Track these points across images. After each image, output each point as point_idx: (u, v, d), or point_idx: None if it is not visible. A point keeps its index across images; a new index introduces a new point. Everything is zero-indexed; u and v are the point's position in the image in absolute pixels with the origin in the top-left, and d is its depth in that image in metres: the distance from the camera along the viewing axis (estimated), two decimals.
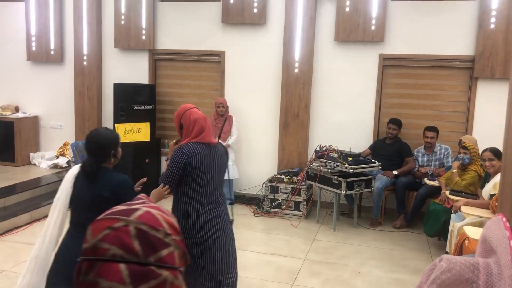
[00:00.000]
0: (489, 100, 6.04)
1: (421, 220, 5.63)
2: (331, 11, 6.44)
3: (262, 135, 6.88)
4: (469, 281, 1.08)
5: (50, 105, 7.80)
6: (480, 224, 4.20)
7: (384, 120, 6.38)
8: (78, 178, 2.73)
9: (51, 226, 2.74)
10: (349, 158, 5.68)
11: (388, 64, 6.40)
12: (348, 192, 5.71)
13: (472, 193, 4.94)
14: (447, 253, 4.59)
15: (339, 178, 5.65)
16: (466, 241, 3.95)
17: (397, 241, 5.52)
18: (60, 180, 7.22)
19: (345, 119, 6.53)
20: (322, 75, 6.58)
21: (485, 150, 4.77)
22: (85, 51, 7.39)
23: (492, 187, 4.50)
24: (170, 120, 7.13)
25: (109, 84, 7.27)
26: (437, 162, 5.98)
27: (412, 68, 6.36)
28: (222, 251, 3.06)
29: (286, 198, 6.25)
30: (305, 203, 6.20)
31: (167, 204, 3.04)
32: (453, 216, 4.72)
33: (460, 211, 4.59)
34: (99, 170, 2.66)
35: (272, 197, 6.31)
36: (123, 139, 6.23)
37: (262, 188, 6.43)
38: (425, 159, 6.05)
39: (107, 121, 7.45)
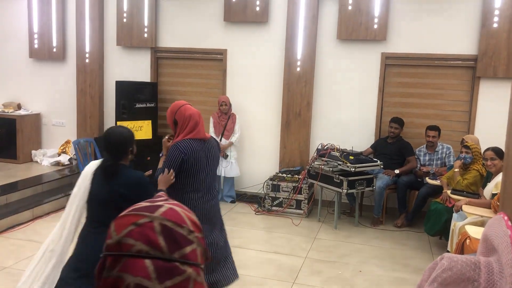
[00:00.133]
0: (491, 100, 6.02)
1: (422, 219, 5.62)
2: (334, 9, 6.43)
3: (264, 134, 6.88)
4: (470, 279, 1.08)
5: (52, 102, 7.81)
6: (481, 224, 4.20)
7: (386, 119, 6.37)
8: (95, 174, 2.76)
9: (69, 222, 2.76)
10: (351, 157, 5.68)
11: (390, 63, 6.39)
12: (350, 191, 5.71)
13: (473, 193, 4.93)
14: (448, 252, 4.59)
15: (341, 177, 5.65)
16: (468, 241, 3.95)
17: (398, 240, 5.52)
18: (62, 178, 7.26)
19: (347, 118, 6.53)
20: (324, 73, 6.57)
21: (487, 149, 4.76)
22: (87, 49, 7.40)
23: (494, 186, 4.49)
24: None
25: (111, 82, 7.28)
26: (438, 161, 5.98)
27: (415, 67, 6.35)
28: (214, 244, 3.10)
29: (287, 197, 6.26)
30: (306, 201, 6.20)
31: None
32: (454, 215, 4.72)
33: (461, 210, 4.58)
34: (117, 167, 2.71)
35: (274, 195, 6.31)
36: None
37: (263, 187, 6.43)
38: (427, 158, 6.04)
39: (109, 119, 7.46)
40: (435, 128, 5.93)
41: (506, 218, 1.24)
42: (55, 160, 7.46)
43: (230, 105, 6.61)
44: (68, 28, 7.60)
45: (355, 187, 5.73)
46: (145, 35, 7.16)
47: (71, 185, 6.64)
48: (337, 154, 5.80)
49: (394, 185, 6.02)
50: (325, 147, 6.04)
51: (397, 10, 6.25)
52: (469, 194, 4.86)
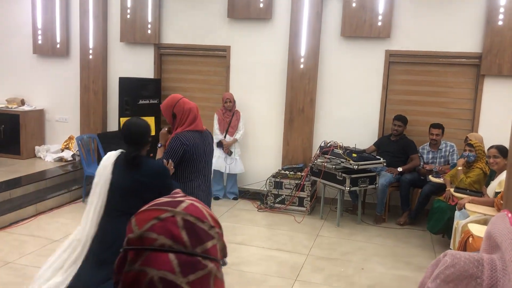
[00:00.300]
0: (496, 98, 6.00)
1: (425, 218, 5.62)
2: (338, 6, 6.41)
3: (267, 130, 6.88)
4: (473, 276, 1.08)
5: (55, 98, 7.82)
6: (484, 222, 4.19)
7: (390, 116, 6.35)
8: (116, 165, 2.81)
9: (92, 211, 2.79)
10: (354, 155, 5.67)
11: (394, 60, 6.37)
12: (352, 189, 5.71)
13: (477, 191, 4.92)
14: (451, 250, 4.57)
15: (344, 175, 5.64)
16: (470, 239, 3.94)
17: (401, 238, 5.52)
18: (65, 173, 7.28)
19: (350, 115, 6.51)
20: (328, 70, 6.56)
21: (491, 147, 4.76)
22: (90, 45, 7.40)
23: (497, 185, 4.47)
24: None
25: (115, 78, 7.28)
26: (442, 160, 5.96)
27: (419, 64, 6.33)
28: None
29: (290, 194, 6.26)
30: (309, 199, 6.20)
31: None
32: (457, 213, 4.71)
33: (464, 208, 4.57)
34: (141, 158, 2.81)
35: (276, 192, 6.31)
36: None
37: (266, 184, 6.43)
38: (430, 156, 6.02)
39: (112, 115, 7.47)
40: (439, 126, 5.92)
41: (510, 215, 1.24)
42: (58, 156, 7.48)
43: (234, 102, 6.61)
44: (71, 24, 7.60)
45: (358, 184, 5.73)
46: (149, 31, 7.15)
47: (74, 181, 6.73)
48: (340, 151, 5.79)
49: (397, 183, 6.01)
50: (328, 144, 6.03)
51: (401, 7, 6.22)
52: (472, 192, 4.85)
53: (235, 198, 6.73)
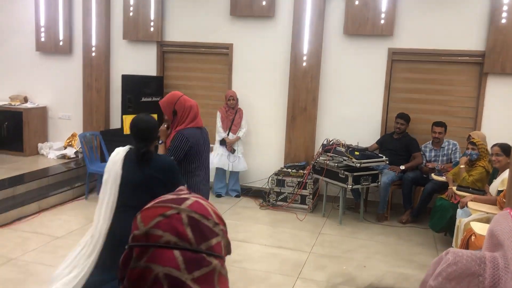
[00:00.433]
0: (499, 96, 5.99)
1: (427, 216, 5.62)
2: (340, 4, 6.39)
3: (269, 128, 6.88)
4: (475, 274, 1.07)
5: (58, 96, 7.84)
6: (487, 220, 4.18)
7: (392, 114, 6.34)
8: (126, 160, 2.84)
9: (104, 207, 2.81)
10: (356, 153, 5.66)
11: (397, 58, 6.36)
12: (355, 187, 5.71)
13: (479, 189, 4.92)
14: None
15: (346, 172, 5.64)
16: (473, 237, 3.94)
17: (403, 236, 5.52)
18: (68, 171, 7.28)
19: (353, 113, 6.51)
20: (330, 68, 6.55)
21: (495, 145, 4.76)
22: (93, 42, 7.41)
23: (500, 183, 4.47)
24: None
25: (117, 76, 7.29)
26: (444, 158, 5.95)
27: (421, 62, 6.32)
28: None
29: (292, 192, 6.26)
30: (311, 197, 6.20)
31: None
32: (459, 211, 4.71)
33: (467, 207, 4.57)
34: (152, 153, 2.86)
35: (278, 190, 6.32)
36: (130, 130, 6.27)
37: (268, 181, 6.44)
38: (433, 154, 6.02)
39: (115, 112, 7.49)
40: (442, 124, 5.91)
41: None
42: (61, 153, 7.50)
43: (237, 99, 6.62)
44: (74, 21, 7.61)
45: (360, 182, 5.73)
46: (151, 29, 7.16)
47: (77, 178, 6.75)
48: (343, 149, 5.79)
49: (400, 181, 6.01)
50: (331, 142, 6.03)
51: (404, 5, 6.21)
52: (474, 191, 4.85)
53: (237, 196, 6.73)
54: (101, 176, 6.48)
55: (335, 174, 5.80)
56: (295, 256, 4.76)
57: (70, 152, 7.50)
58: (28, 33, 7.82)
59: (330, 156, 5.90)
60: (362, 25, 6.28)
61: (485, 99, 6.07)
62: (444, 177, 5.52)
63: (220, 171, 6.66)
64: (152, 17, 7.13)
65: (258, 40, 6.79)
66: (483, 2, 5.94)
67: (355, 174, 5.62)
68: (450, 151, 5.95)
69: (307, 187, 6.20)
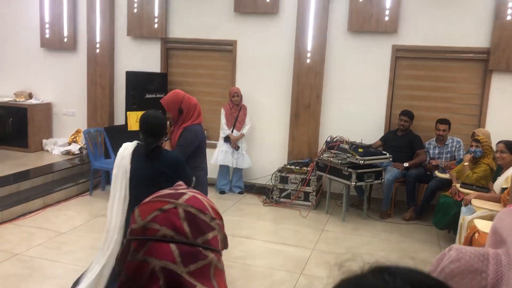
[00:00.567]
0: (503, 93, 5.96)
1: (431, 213, 5.61)
2: (345, 1, 6.38)
3: (273, 125, 6.88)
4: (478, 271, 1.08)
5: (63, 92, 7.86)
6: (490, 218, 4.17)
7: (396, 111, 6.33)
8: (134, 155, 2.87)
9: (116, 203, 2.82)
10: (360, 150, 5.66)
11: (401, 55, 6.34)
12: (358, 184, 5.70)
13: (483, 187, 4.91)
14: None
15: (350, 169, 5.64)
16: (476, 234, 3.93)
17: (406, 233, 5.52)
18: (72, 167, 7.31)
19: (357, 110, 6.50)
20: (334, 65, 6.54)
21: (500, 141, 4.74)
22: (97, 39, 7.42)
23: (504, 180, 4.46)
24: None
25: (122, 72, 7.31)
26: (448, 155, 5.94)
27: (426, 59, 6.30)
28: None
29: (295, 189, 6.27)
30: (314, 193, 6.20)
31: None
32: (463, 209, 4.70)
33: (470, 204, 4.56)
34: (161, 149, 2.94)
35: (282, 187, 6.32)
36: (135, 127, 6.29)
37: (271, 178, 6.44)
38: (436, 151, 6.00)
39: (119, 109, 7.50)
40: (445, 122, 5.89)
41: None
42: (65, 149, 7.53)
43: (242, 96, 6.62)
44: (79, 18, 7.62)
45: (364, 179, 5.73)
46: (155, 25, 7.16)
47: (82, 174, 6.78)
48: (346, 146, 5.78)
49: (403, 178, 6.01)
50: (334, 139, 6.03)
51: (408, 2, 6.18)
52: (478, 188, 4.84)
53: (240, 192, 6.74)
54: (105, 172, 6.53)
55: (339, 171, 5.80)
56: (298, 253, 4.77)
57: (75, 148, 7.52)
58: (32, 30, 7.84)
59: (334, 153, 5.90)
60: (366, 22, 6.26)
61: (490, 96, 6.04)
62: (448, 175, 5.51)
63: (224, 168, 6.67)
64: (156, 14, 7.13)
65: (262, 37, 6.78)
66: None
67: (358, 171, 5.62)
68: (454, 149, 5.94)
69: (310, 184, 6.20)
